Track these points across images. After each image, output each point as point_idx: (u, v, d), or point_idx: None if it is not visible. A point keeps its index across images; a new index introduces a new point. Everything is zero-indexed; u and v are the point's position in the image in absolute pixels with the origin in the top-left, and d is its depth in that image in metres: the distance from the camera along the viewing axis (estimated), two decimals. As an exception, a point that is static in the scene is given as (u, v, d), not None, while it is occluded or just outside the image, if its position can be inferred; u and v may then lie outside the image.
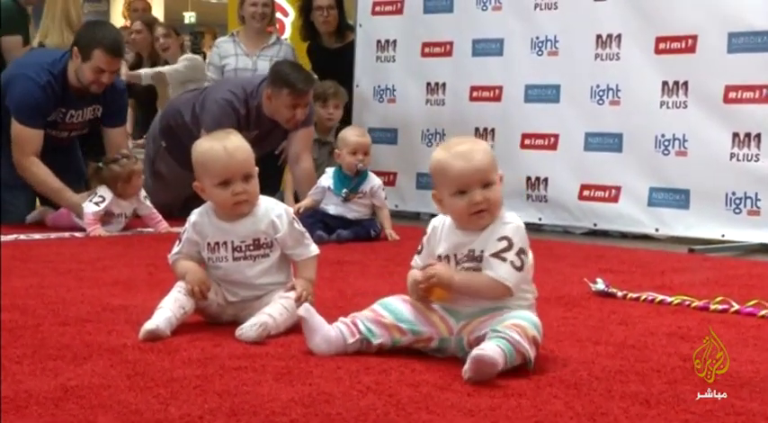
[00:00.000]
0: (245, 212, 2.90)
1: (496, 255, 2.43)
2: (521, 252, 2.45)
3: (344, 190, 5.34)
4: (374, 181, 5.41)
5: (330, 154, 6.18)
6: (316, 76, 7.29)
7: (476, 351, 2.29)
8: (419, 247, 2.64)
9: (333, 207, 5.35)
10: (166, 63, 8.24)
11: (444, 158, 2.51)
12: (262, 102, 5.93)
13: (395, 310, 2.56)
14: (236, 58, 7.02)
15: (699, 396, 2.19)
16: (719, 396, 2.18)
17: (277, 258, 2.93)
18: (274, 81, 5.87)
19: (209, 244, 2.92)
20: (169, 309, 2.79)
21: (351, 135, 5.49)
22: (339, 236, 5.17)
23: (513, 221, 2.49)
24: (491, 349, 2.29)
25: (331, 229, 5.25)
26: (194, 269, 2.91)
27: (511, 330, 2.35)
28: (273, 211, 2.92)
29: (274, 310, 2.79)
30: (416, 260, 2.63)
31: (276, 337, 2.72)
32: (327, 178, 5.42)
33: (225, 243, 2.90)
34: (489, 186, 2.47)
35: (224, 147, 2.87)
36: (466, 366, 2.28)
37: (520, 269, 2.43)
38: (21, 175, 5.70)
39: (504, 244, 2.44)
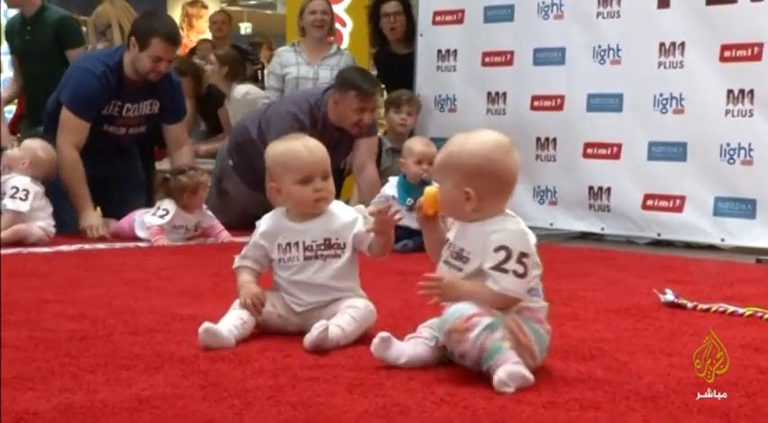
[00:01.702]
0: (323, 210, 2.92)
1: (497, 267, 2.39)
2: (522, 256, 2.39)
3: (409, 199, 5.28)
4: (439, 191, 5.35)
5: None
6: (383, 86, 7.29)
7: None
8: None
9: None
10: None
11: None
12: (327, 110, 5.95)
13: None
14: (297, 68, 7.04)
15: (699, 396, 2.21)
16: (720, 396, 2.20)
17: (347, 261, 2.92)
18: (341, 85, 5.92)
19: (279, 245, 2.92)
20: (228, 321, 2.80)
21: (417, 145, 5.46)
22: (405, 246, 5.13)
23: (507, 228, 2.43)
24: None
25: (395, 238, 5.20)
26: (248, 284, 2.91)
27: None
28: (345, 214, 2.95)
29: (342, 321, 2.78)
30: None
31: (345, 347, 2.71)
32: (392, 187, 5.37)
33: (296, 243, 2.90)
34: None
35: (304, 145, 2.92)
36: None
37: (523, 275, 2.39)
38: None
39: (502, 255, 2.39)
